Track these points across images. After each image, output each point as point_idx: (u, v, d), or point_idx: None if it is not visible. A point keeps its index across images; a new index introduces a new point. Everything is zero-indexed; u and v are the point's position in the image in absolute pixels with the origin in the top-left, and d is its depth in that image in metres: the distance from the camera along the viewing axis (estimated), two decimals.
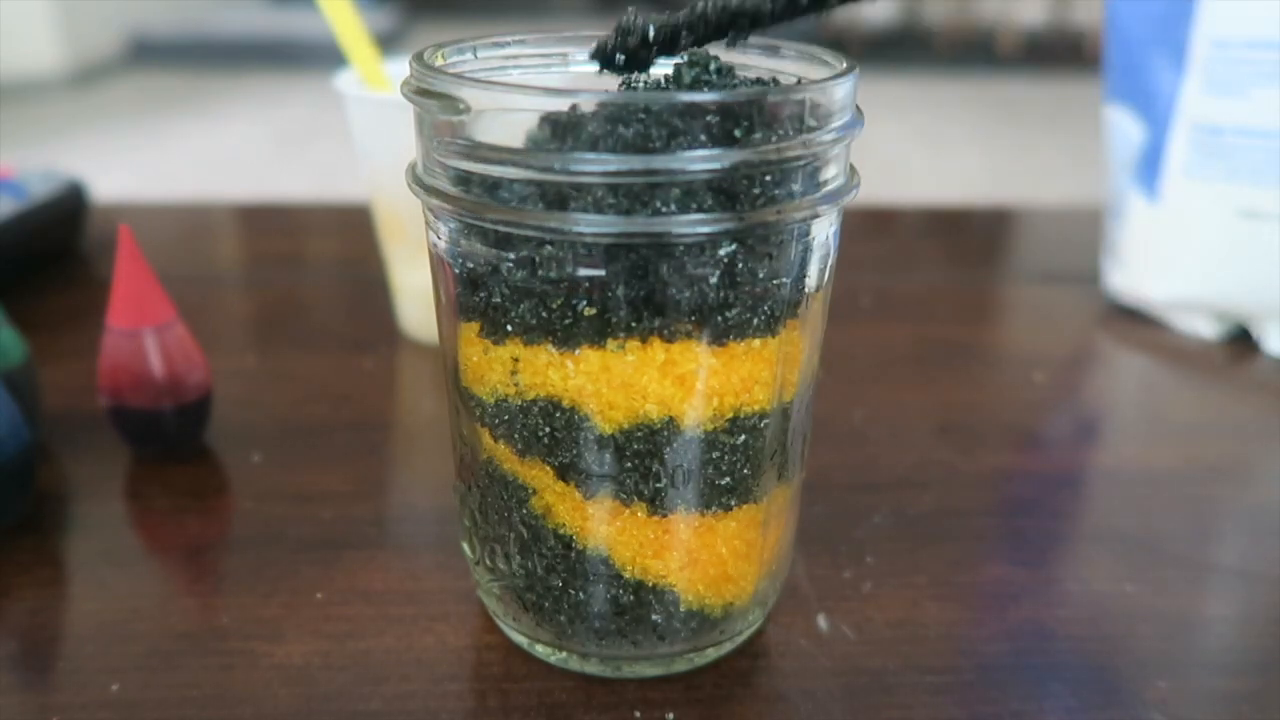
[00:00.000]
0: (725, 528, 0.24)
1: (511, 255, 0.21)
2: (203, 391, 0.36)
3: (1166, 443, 0.40)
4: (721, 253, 0.21)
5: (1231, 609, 0.30)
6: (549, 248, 0.21)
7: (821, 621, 0.29)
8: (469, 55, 0.25)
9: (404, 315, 0.47)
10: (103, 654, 0.27)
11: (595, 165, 0.20)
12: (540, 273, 0.21)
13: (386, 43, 3.15)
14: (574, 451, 0.23)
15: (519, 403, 0.23)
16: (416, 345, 0.46)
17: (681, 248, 0.20)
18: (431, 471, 0.36)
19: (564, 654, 0.26)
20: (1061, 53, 3.32)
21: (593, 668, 0.26)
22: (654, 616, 0.25)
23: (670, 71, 0.23)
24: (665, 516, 0.23)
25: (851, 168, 0.24)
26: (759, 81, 0.24)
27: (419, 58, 0.23)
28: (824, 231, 0.23)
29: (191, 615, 0.29)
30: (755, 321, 0.22)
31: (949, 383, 0.44)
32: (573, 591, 0.25)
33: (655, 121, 0.20)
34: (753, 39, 0.26)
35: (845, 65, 0.23)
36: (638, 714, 0.25)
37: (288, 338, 0.48)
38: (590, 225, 0.20)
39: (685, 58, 0.23)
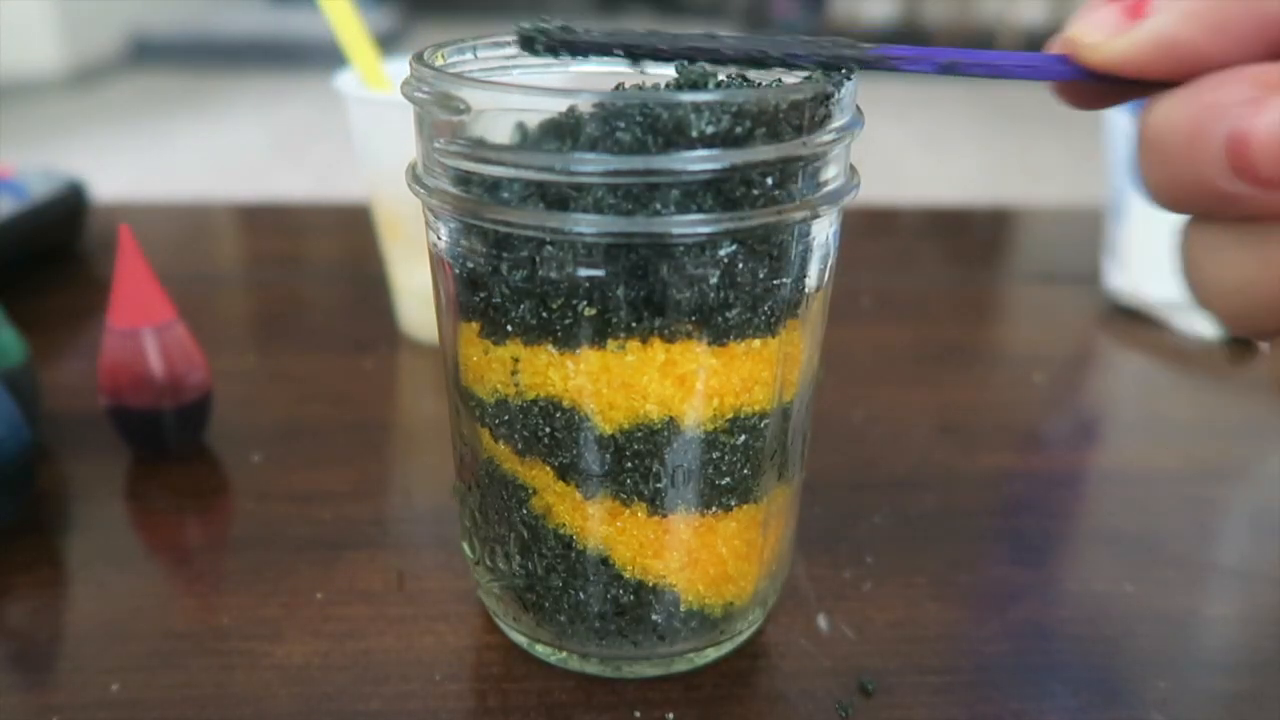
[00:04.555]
0: (725, 528, 0.24)
1: (511, 255, 0.21)
2: (203, 391, 0.36)
3: (1166, 443, 0.40)
4: (721, 253, 0.21)
5: (1231, 609, 0.30)
6: (549, 248, 0.21)
7: (821, 621, 0.29)
8: (469, 55, 0.25)
9: (404, 315, 0.47)
10: (103, 654, 0.27)
11: (595, 165, 0.20)
12: (540, 273, 0.21)
13: (386, 43, 3.15)
14: (574, 451, 0.23)
15: (519, 403, 0.23)
16: (417, 345, 0.46)
17: (681, 248, 0.20)
18: (431, 471, 0.36)
19: (564, 654, 0.26)
20: None
21: (593, 668, 0.26)
22: (654, 616, 0.25)
23: (671, 74, 0.23)
24: (665, 516, 0.23)
25: (851, 168, 0.24)
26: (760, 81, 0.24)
27: (419, 58, 0.23)
28: (824, 231, 0.23)
29: (191, 615, 0.29)
30: (755, 321, 0.22)
31: (949, 383, 0.44)
32: (573, 591, 0.25)
33: (655, 121, 0.20)
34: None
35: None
36: (638, 714, 0.25)
37: (288, 338, 0.48)
38: (590, 225, 0.20)
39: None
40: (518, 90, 0.21)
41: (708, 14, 3.95)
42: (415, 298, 0.46)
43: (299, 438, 0.38)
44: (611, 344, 0.21)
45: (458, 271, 0.23)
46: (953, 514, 0.34)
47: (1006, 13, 3.38)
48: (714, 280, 0.21)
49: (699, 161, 0.20)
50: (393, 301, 0.48)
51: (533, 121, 0.21)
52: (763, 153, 0.20)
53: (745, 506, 0.24)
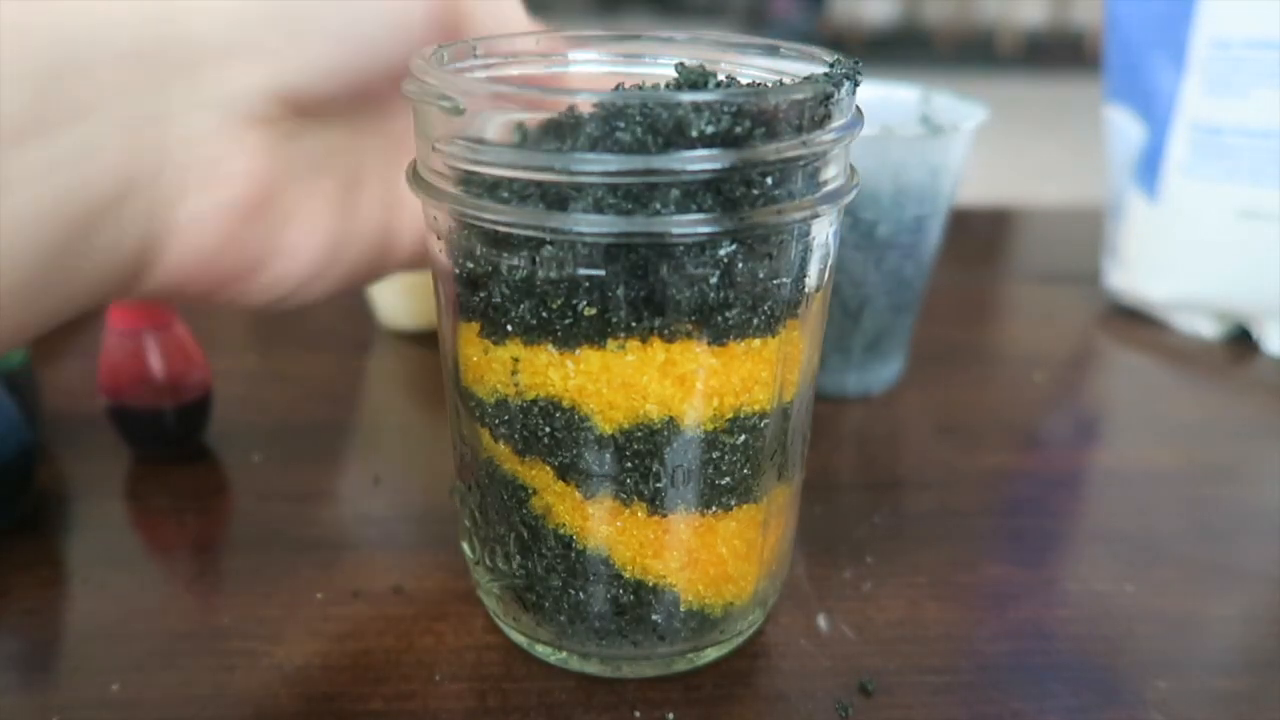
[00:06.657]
0: (725, 528, 0.24)
1: (511, 255, 0.21)
2: (203, 391, 0.36)
3: (1166, 443, 0.40)
4: (721, 253, 0.21)
5: (1231, 609, 0.30)
6: (549, 248, 0.21)
7: (821, 621, 0.29)
8: (469, 55, 0.25)
9: (379, 305, 0.47)
10: (103, 654, 0.27)
11: (595, 165, 0.20)
12: (540, 273, 0.21)
13: None
14: (574, 451, 0.23)
15: (519, 403, 0.23)
16: (396, 334, 0.46)
17: (681, 248, 0.20)
18: (431, 471, 0.36)
19: (564, 654, 0.26)
20: (1061, 53, 3.31)
21: (593, 668, 0.26)
22: (654, 616, 0.25)
23: (670, 73, 0.23)
24: (665, 516, 0.23)
25: (851, 168, 0.24)
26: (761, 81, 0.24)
27: (419, 57, 0.23)
28: (824, 231, 0.23)
29: (191, 615, 0.29)
30: (755, 321, 0.22)
31: (949, 383, 0.44)
32: (573, 591, 0.25)
33: (655, 121, 0.20)
34: (752, 39, 0.26)
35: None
36: (638, 714, 0.25)
37: (288, 338, 0.48)
38: (590, 225, 0.20)
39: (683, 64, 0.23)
40: (517, 89, 0.21)
41: (707, 14, 3.95)
42: (386, 287, 0.46)
43: (299, 438, 0.38)
44: (611, 344, 0.21)
45: (458, 271, 0.23)
46: (953, 514, 0.34)
47: (1006, 13, 3.38)
48: (714, 280, 0.21)
49: (699, 161, 0.20)
50: (366, 294, 0.48)
51: (532, 121, 0.21)
52: (762, 153, 0.20)
53: (745, 506, 0.24)
